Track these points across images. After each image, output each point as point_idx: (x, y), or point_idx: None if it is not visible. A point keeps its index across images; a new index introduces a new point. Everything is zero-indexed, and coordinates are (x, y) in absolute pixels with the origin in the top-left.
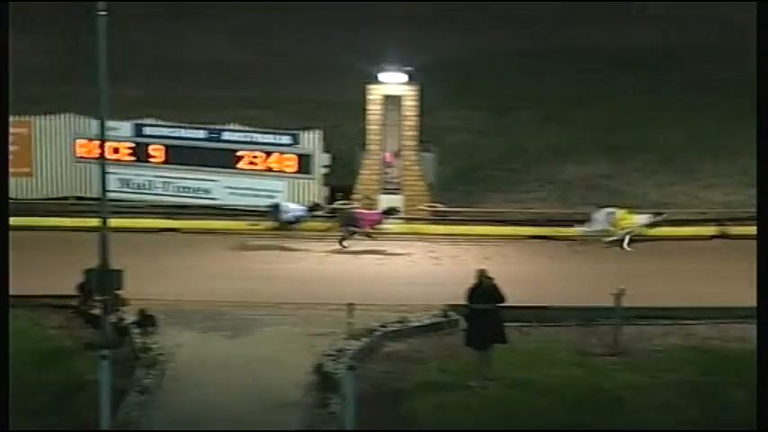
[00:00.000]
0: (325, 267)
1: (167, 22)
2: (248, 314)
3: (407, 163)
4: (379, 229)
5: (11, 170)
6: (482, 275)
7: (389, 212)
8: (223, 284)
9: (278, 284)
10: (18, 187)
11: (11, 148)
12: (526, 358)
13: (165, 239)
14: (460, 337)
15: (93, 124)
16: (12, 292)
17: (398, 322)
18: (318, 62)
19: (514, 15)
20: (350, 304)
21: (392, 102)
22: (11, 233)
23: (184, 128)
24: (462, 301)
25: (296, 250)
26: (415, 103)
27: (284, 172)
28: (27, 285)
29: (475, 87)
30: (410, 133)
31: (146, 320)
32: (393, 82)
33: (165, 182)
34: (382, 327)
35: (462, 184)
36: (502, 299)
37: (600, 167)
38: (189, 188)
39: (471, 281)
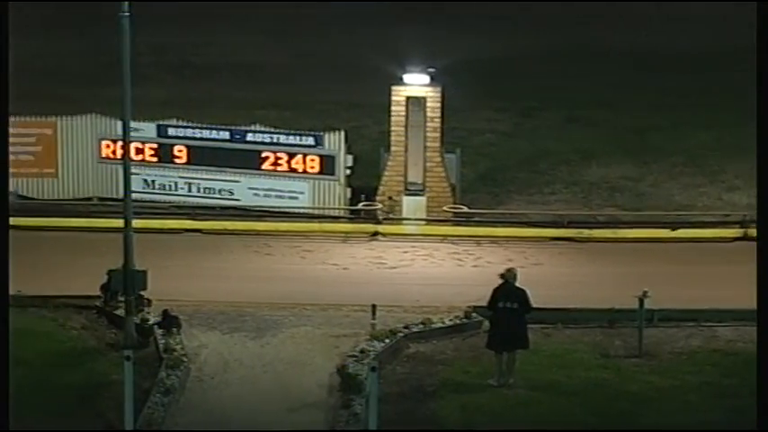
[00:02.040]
0: (349, 269)
1: (194, 23)
2: (272, 315)
3: (431, 164)
4: None
5: (34, 170)
6: (508, 274)
7: None
8: (247, 286)
9: (302, 285)
10: (43, 187)
11: (34, 148)
12: (550, 360)
13: (189, 240)
14: (484, 339)
15: (118, 125)
16: (35, 292)
17: (421, 323)
18: (343, 63)
19: (540, 16)
20: (373, 305)
21: (416, 103)
22: (35, 233)
23: (208, 129)
24: (486, 303)
25: (321, 252)
26: (438, 105)
27: (307, 173)
28: (52, 286)
29: (500, 89)
30: (434, 135)
31: (169, 321)
32: (417, 83)
33: (188, 183)
34: (405, 328)
35: (486, 186)
36: (528, 304)
37: (624, 169)
38: (212, 189)
39: (495, 282)
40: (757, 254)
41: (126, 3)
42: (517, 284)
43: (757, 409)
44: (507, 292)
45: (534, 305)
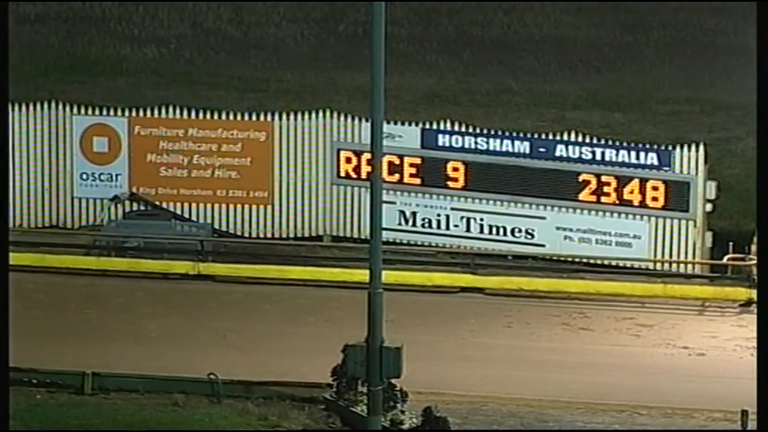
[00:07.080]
0: (707, 355)
1: None
2: (587, 421)
3: None
4: None
5: (238, 194)
6: None
7: None
8: (550, 375)
9: (634, 378)
10: (251, 219)
11: (239, 161)
12: None
13: (466, 304)
14: None
15: (364, 128)
16: (235, 375)
17: None
18: (700, 39)
19: None
20: (743, 412)
21: None
22: (233, 287)
23: (498, 137)
24: None
25: (664, 328)
26: None
27: (647, 207)
28: (259, 366)
29: None
30: None
31: (434, 424)
32: None
33: (466, 217)
34: None
35: None
36: None
37: None
38: (502, 228)
39: None
40: (758, 256)
41: None
42: None
43: (757, 410)
44: None
45: None
